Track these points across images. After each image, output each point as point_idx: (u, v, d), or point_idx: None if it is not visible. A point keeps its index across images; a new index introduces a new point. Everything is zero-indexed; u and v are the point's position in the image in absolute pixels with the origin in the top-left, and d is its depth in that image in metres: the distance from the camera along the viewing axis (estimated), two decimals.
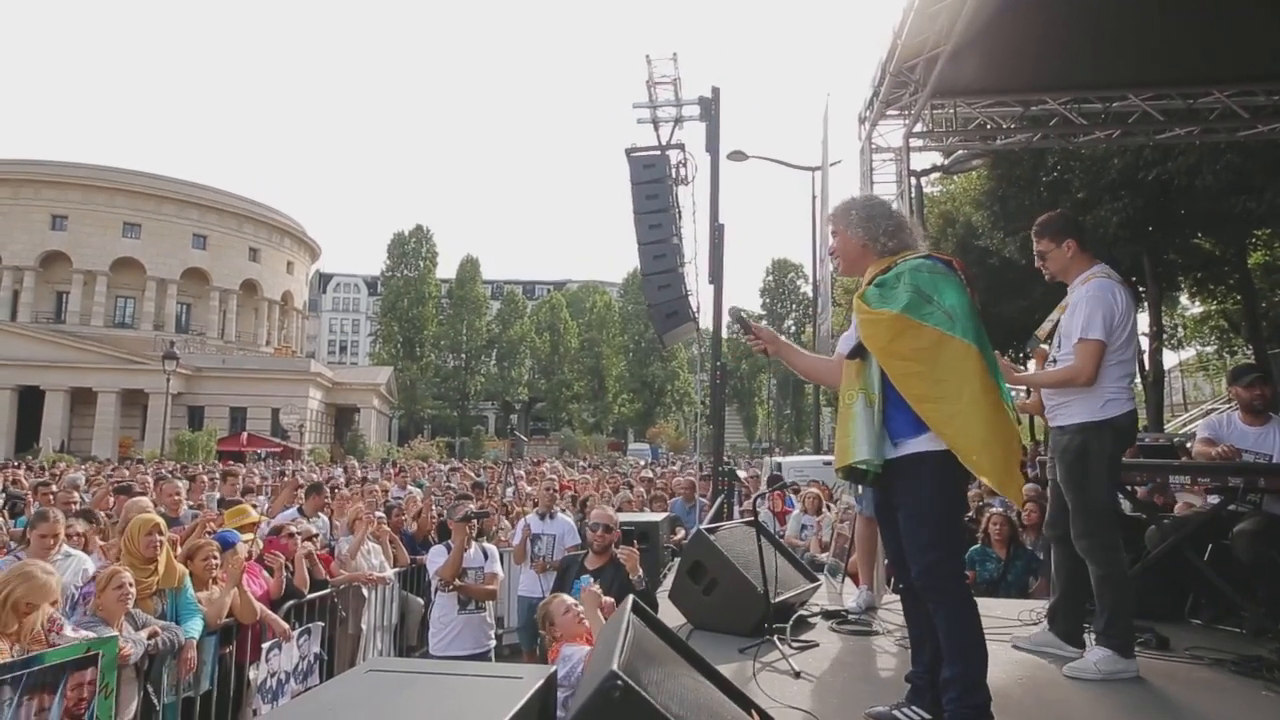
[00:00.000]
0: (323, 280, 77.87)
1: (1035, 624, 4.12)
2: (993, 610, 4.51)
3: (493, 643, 5.17)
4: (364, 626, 5.93)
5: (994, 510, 6.29)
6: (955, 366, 2.44)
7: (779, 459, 16.80)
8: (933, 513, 2.53)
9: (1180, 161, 9.75)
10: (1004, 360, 4.87)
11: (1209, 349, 32.18)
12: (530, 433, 62.82)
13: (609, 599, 3.34)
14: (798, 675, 3.23)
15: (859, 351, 2.65)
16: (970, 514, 6.84)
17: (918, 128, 5.47)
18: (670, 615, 4.06)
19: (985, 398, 2.43)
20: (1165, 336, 23.56)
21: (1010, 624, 4.15)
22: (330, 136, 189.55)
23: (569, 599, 3.58)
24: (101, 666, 2.86)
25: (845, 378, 2.68)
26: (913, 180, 5.62)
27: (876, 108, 5.22)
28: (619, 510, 8.78)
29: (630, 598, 2.14)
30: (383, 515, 6.59)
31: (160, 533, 4.11)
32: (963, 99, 5.34)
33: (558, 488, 10.03)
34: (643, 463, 37.13)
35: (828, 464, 13.21)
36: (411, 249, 57.57)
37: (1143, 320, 25.37)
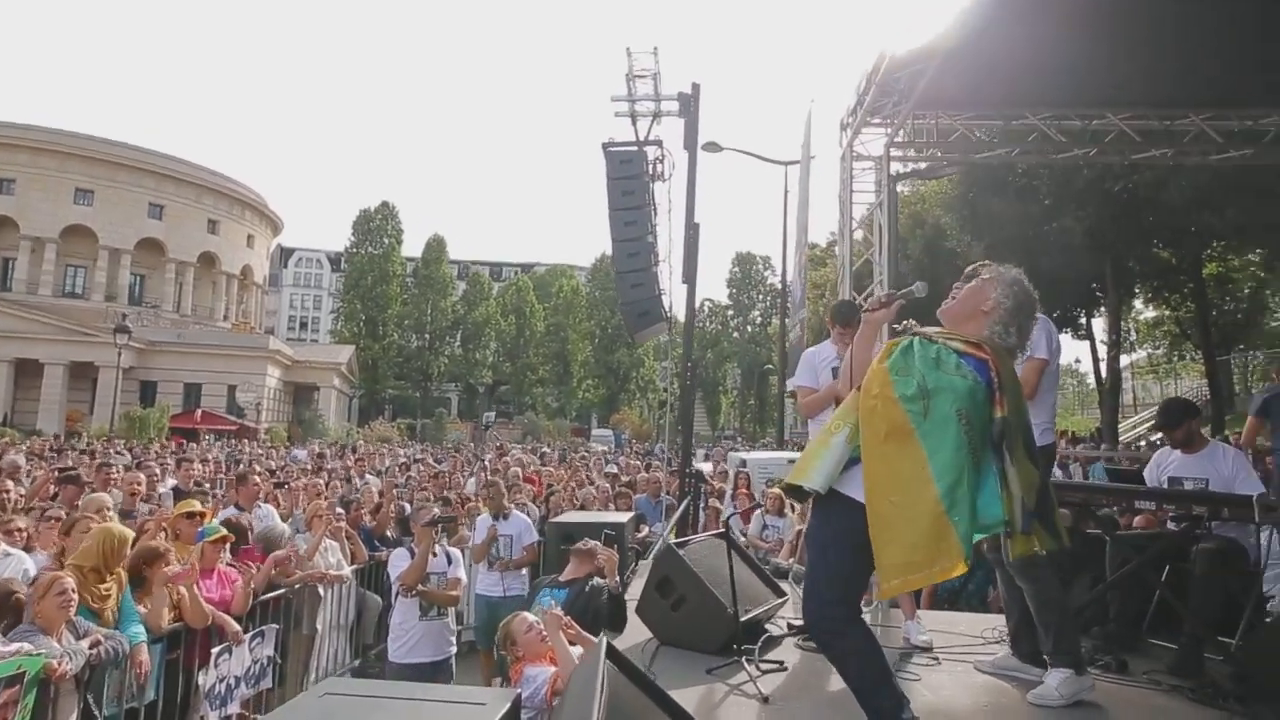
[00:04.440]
0: (284, 255, 76.01)
1: (997, 642, 4.16)
2: (956, 626, 4.55)
3: (454, 649, 5.07)
4: (319, 627, 5.78)
5: None
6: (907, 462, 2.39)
7: (744, 454, 16.84)
8: (836, 555, 2.55)
9: (1147, 175, 9.91)
10: None
11: (1159, 351, 33.16)
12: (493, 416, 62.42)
13: (571, 627, 3.25)
14: (766, 700, 3.20)
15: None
16: None
17: (899, 137, 5.43)
18: (637, 630, 4.01)
19: (920, 504, 2.36)
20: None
21: (973, 643, 4.17)
22: (296, 108, 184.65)
23: (531, 617, 3.49)
24: (24, 684, 2.70)
25: (847, 404, 2.65)
26: (892, 186, 5.59)
27: (860, 116, 5.18)
28: (582, 507, 8.71)
29: (604, 641, 2.05)
30: (341, 511, 6.40)
31: (130, 546, 3.94)
32: (945, 111, 5.31)
33: (519, 480, 9.92)
34: (604, 448, 37.09)
35: (792, 461, 13.29)
36: (377, 226, 56.53)
37: (1100, 327, 25.99)
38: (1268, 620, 3.91)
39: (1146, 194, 10.51)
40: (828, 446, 2.54)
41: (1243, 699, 3.38)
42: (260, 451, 18.27)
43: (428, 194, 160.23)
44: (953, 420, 2.37)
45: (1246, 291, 24.13)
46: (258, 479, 6.73)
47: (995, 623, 4.45)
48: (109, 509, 5.13)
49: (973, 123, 5.41)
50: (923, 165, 7.89)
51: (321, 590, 5.77)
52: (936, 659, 3.88)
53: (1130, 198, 11.25)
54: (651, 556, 6.83)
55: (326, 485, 9.05)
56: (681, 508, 7.37)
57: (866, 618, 4.85)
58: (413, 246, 59.22)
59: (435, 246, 58.12)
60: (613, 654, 1.99)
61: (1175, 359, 31.04)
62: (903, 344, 2.57)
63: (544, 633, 3.30)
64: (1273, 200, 11.87)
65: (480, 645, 6.04)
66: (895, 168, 5.70)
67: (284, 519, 6.87)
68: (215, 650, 4.50)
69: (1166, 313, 26.91)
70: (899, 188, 17.03)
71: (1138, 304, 27.63)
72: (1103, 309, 22.65)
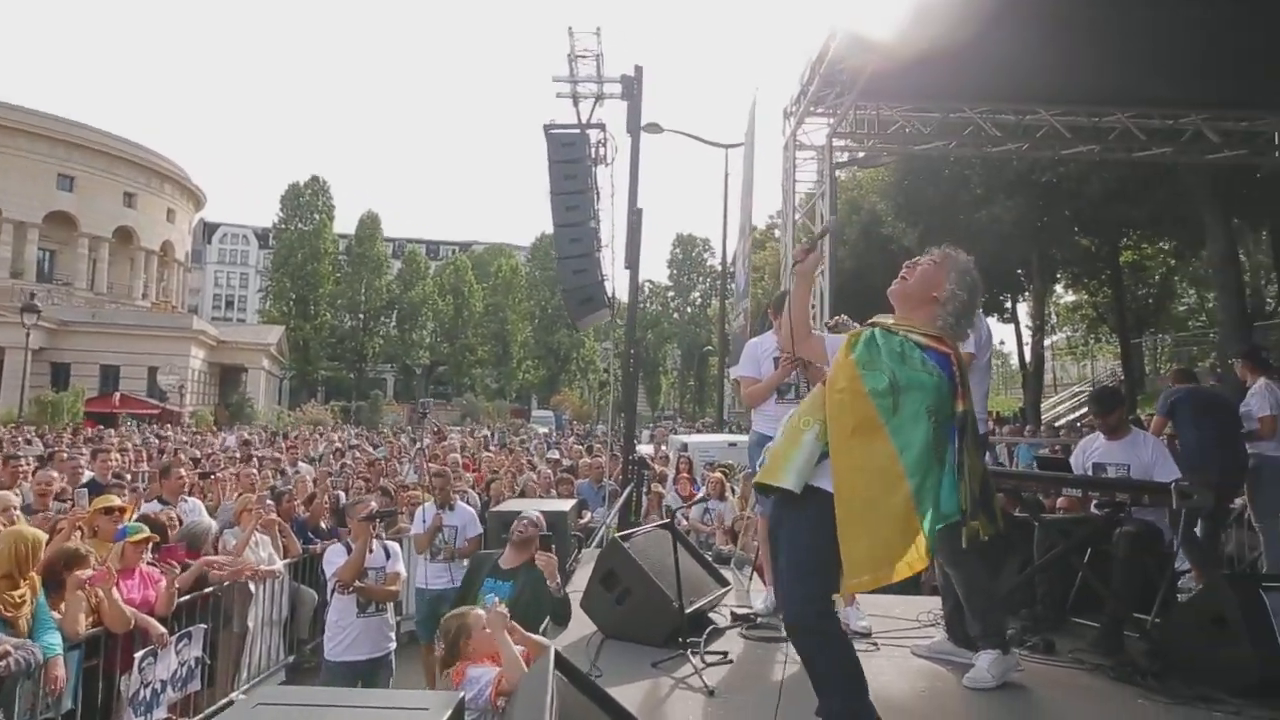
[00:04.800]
0: (208, 230, 72.71)
1: (933, 625, 4.29)
2: (892, 610, 4.67)
3: (393, 644, 4.95)
4: (251, 625, 5.59)
5: None
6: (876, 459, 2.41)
7: (685, 438, 16.96)
8: (813, 548, 2.51)
9: (1072, 168, 10.30)
10: None
11: (1077, 334, 34.79)
12: (432, 397, 61.34)
13: (515, 631, 3.19)
14: (711, 693, 3.22)
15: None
16: None
17: (841, 127, 5.47)
18: (582, 623, 3.99)
19: (891, 499, 2.39)
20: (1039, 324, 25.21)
21: (910, 627, 4.29)
22: (220, 76, 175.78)
23: (480, 612, 3.42)
24: None
25: (813, 399, 2.63)
26: (834, 176, 5.64)
27: (803, 105, 5.20)
28: (522, 494, 8.61)
29: (552, 650, 2.02)
30: (272, 504, 6.17)
31: (44, 548, 3.71)
32: (886, 103, 5.37)
33: (460, 467, 9.77)
34: (545, 430, 36.91)
35: (733, 444, 13.42)
36: (307, 201, 54.57)
37: (1025, 312, 27.04)
38: (1181, 600, 4.13)
39: (1071, 186, 10.94)
40: (798, 445, 2.52)
41: (1159, 675, 3.57)
42: (185, 438, 17.49)
43: (361, 169, 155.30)
44: (923, 417, 2.39)
45: (1157, 278, 25.49)
46: (183, 471, 6.42)
47: (930, 606, 4.59)
48: (14, 508, 4.83)
49: (912, 115, 5.49)
50: (861, 155, 7.99)
51: (253, 587, 5.57)
52: (875, 644, 3.98)
53: (1056, 189, 11.69)
54: (594, 544, 6.83)
55: (259, 474, 8.72)
56: (625, 494, 7.36)
57: None
58: (345, 223, 57.52)
59: (369, 223, 56.51)
60: (561, 663, 1.95)
61: (1092, 341, 32.59)
62: (865, 335, 2.56)
63: (491, 635, 3.24)
64: (1184, 194, 12.52)
65: (422, 639, 5.85)
66: (836, 157, 5.74)
67: (211, 512, 6.61)
68: (139, 655, 4.30)
69: (1085, 297, 28.18)
70: (838, 174, 17.34)
71: (1059, 289, 28.85)
72: (1027, 294, 23.56)
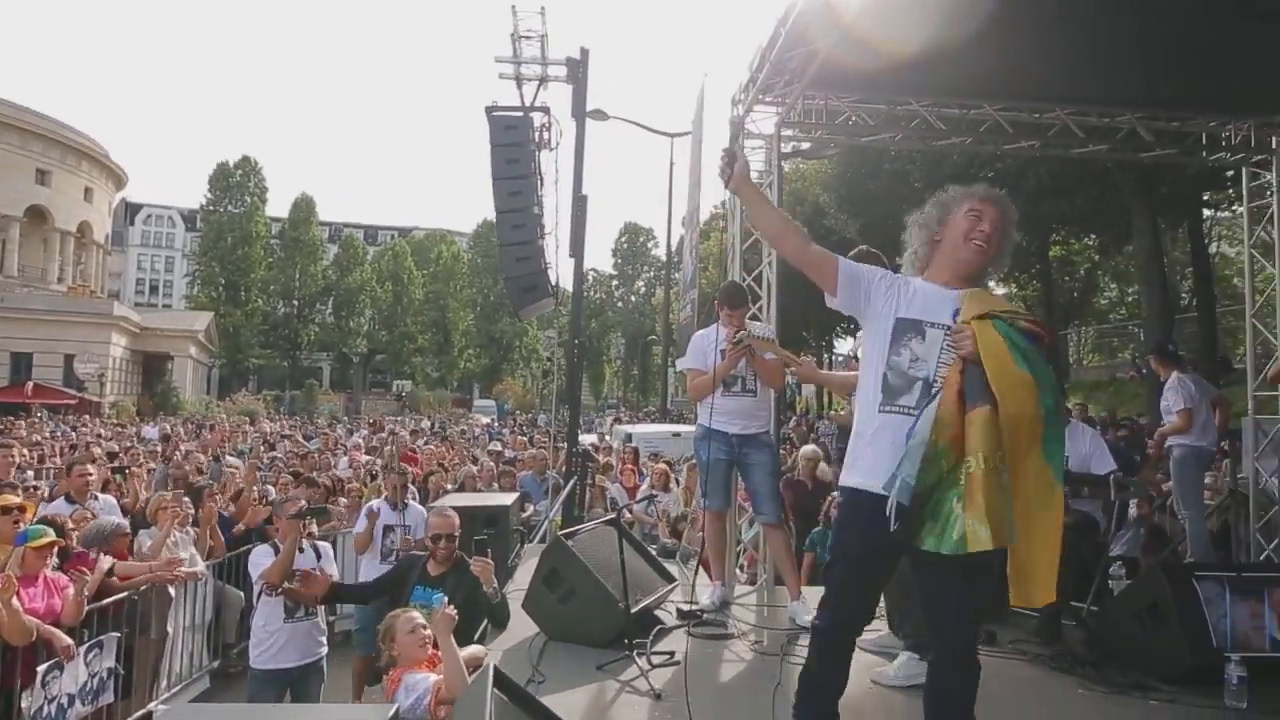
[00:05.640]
0: (130, 211, 69.22)
1: (878, 617, 4.29)
2: None
3: (325, 649, 4.71)
4: (170, 630, 5.27)
5: (835, 495, 6.56)
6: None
7: (629, 428, 16.90)
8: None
9: (1009, 164, 10.54)
10: (808, 360, 5.09)
11: None
12: (369, 386, 59.97)
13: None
14: (659, 697, 3.12)
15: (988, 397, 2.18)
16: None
17: (790, 117, 5.42)
18: (524, 625, 3.85)
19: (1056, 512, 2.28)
20: None
21: None
22: (142, 47, 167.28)
23: (417, 617, 3.26)
24: None
25: (987, 429, 2.17)
26: (781, 166, 5.60)
27: (752, 94, 5.11)
28: (461, 488, 8.37)
29: (491, 666, 1.88)
30: (189, 501, 5.81)
31: None
32: (835, 94, 5.33)
33: (402, 462, 9.47)
34: (487, 419, 36.44)
35: (677, 435, 13.42)
36: (237, 182, 52.46)
37: None
38: (1114, 591, 4.22)
39: (1007, 181, 11.20)
40: (1005, 491, 2.18)
41: (1096, 664, 3.63)
42: (104, 431, 16.57)
43: (295, 150, 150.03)
44: (1057, 420, 2.28)
45: (1083, 273, 26.49)
46: (91, 467, 6.00)
47: None
48: None
49: (859, 106, 5.46)
50: (806, 146, 7.98)
51: (172, 590, 5.25)
52: None
53: (993, 184, 11.93)
54: (537, 539, 6.68)
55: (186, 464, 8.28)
56: (568, 487, 7.23)
57: (752, 598, 4.95)
58: (278, 206, 55.54)
59: (303, 206, 54.68)
60: (500, 680, 1.82)
61: None
62: (1011, 337, 2.24)
63: (428, 638, 3.08)
64: (1114, 192, 12.98)
65: (361, 652, 5.38)
66: (783, 147, 5.69)
67: (127, 512, 6.21)
68: (42, 669, 3.98)
69: (1015, 291, 29.11)
70: (783, 165, 17.50)
71: (991, 283, 29.67)
72: None
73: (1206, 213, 18.42)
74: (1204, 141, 6.08)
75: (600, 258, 66.82)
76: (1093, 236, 21.29)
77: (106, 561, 4.58)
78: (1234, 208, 17.80)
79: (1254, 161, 6.12)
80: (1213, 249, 21.33)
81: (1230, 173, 10.44)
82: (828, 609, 2.50)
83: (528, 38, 7.26)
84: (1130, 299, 27.03)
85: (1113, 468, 4.28)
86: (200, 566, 5.67)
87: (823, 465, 7.37)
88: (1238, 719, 3.13)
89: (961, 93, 5.35)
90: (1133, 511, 6.25)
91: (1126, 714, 3.21)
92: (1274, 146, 5.95)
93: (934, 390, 2.28)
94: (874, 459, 2.31)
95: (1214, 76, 5.14)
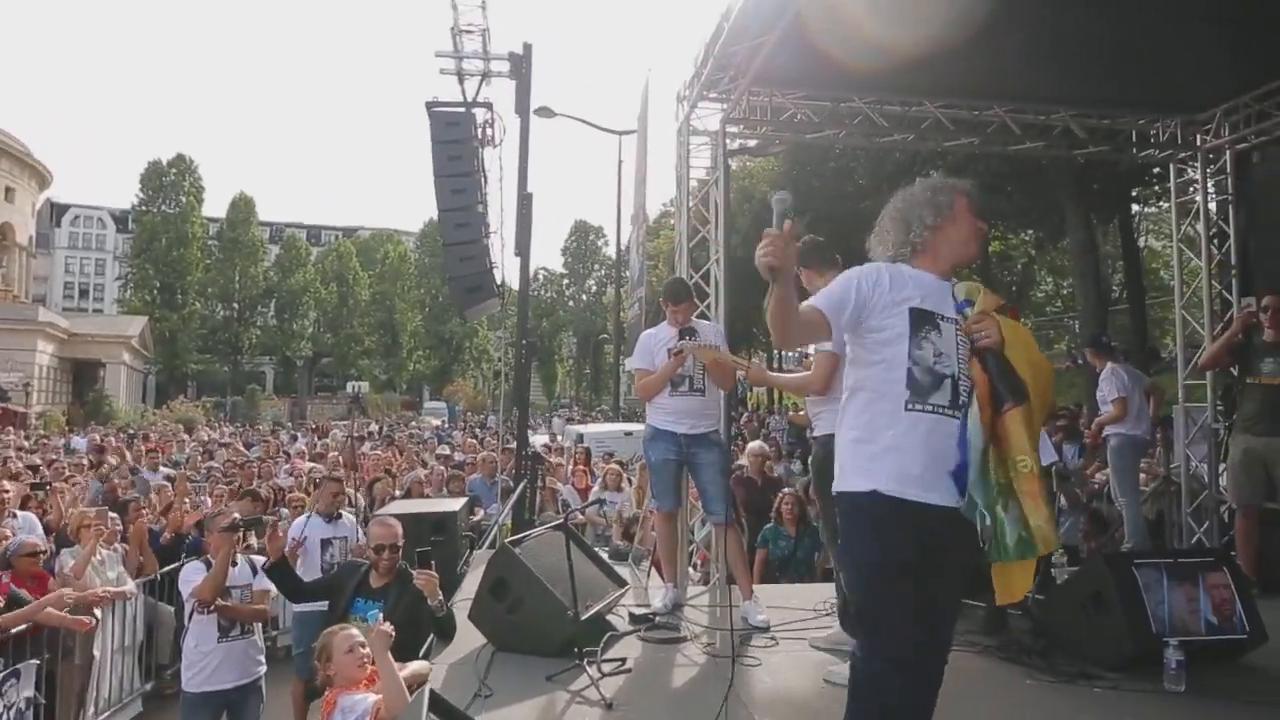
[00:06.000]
0: (56, 212, 66.09)
1: (829, 614, 4.30)
2: (790, 600, 4.67)
3: (263, 668, 4.50)
4: (97, 654, 5.00)
5: (785, 491, 6.59)
6: None
7: (580, 428, 16.78)
8: None
9: (950, 160, 10.73)
10: (757, 361, 5.10)
11: None
12: (315, 390, 58.52)
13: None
14: (610, 706, 3.05)
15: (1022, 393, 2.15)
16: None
17: (734, 113, 5.39)
18: (472, 636, 3.74)
19: None
20: None
21: (808, 617, 4.27)
22: (69, 40, 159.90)
23: (355, 635, 3.12)
24: None
25: (1025, 429, 2.18)
26: (727, 163, 5.57)
27: (697, 89, 5.06)
28: (409, 494, 8.16)
29: (427, 691, 1.78)
30: (115, 516, 5.52)
31: None
32: (779, 90, 5.32)
33: (341, 468, 9.19)
34: (437, 421, 35.85)
35: (628, 434, 13.35)
36: (171, 181, 50.54)
37: None
38: (1057, 582, 4.30)
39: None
40: (1044, 495, 2.22)
41: (1043, 654, 3.69)
42: (26, 443, 15.74)
43: (233, 148, 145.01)
44: None
45: (1020, 267, 27.31)
46: (8, 483, 5.66)
47: (826, 593, 4.60)
48: None
49: (803, 102, 5.48)
50: (753, 143, 8.00)
51: (98, 612, 4.97)
52: (774, 639, 3.93)
53: None
54: (487, 545, 6.54)
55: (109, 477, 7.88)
56: (518, 491, 7.10)
57: (705, 599, 4.92)
58: (215, 206, 53.66)
59: (242, 206, 52.98)
60: (436, 704, 1.72)
61: None
62: (1015, 329, 2.30)
63: (364, 657, 2.95)
64: (1049, 188, 13.38)
65: (301, 675, 5.07)
66: (730, 144, 5.66)
67: (50, 530, 5.89)
68: None
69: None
70: (730, 163, 17.62)
71: None
72: None
73: (1135, 208, 19.14)
74: (1134, 139, 6.26)
75: (551, 256, 66.46)
76: (1029, 231, 21.95)
77: None
78: (1160, 203, 18.59)
79: (1180, 159, 6.33)
80: (1141, 243, 22.19)
81: (1156, 170, 10.84)
82: (888, 635, 2.13)
83: (469, 32, 7.09)
84: (1065, 292, 27.97)
85: (1054, 458, 4.36)
86: (129, 585, 5.40)
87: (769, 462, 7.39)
88: (1176, 702, 3.20)
89: (903, 90, 5.40)
90: (1061, 502, 6.42)
91: (1072, 703, 3.26)
92: (1198, 144, 6.16)
93: (963, 389, 2.18)
94: (904, 461, 2.13)
95: (1143, 76, 5.29)
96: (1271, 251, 6.01)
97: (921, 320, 2.19)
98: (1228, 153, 6.06)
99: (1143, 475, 6.76)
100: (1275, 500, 4.84)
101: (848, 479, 2.22)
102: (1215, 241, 6.27)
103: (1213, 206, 6.26)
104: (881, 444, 2.17)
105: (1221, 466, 5.72)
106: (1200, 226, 6.21)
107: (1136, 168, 11.52)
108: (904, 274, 2.28)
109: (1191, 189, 6.35)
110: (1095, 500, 7.21)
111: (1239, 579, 3.74)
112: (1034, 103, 5.69)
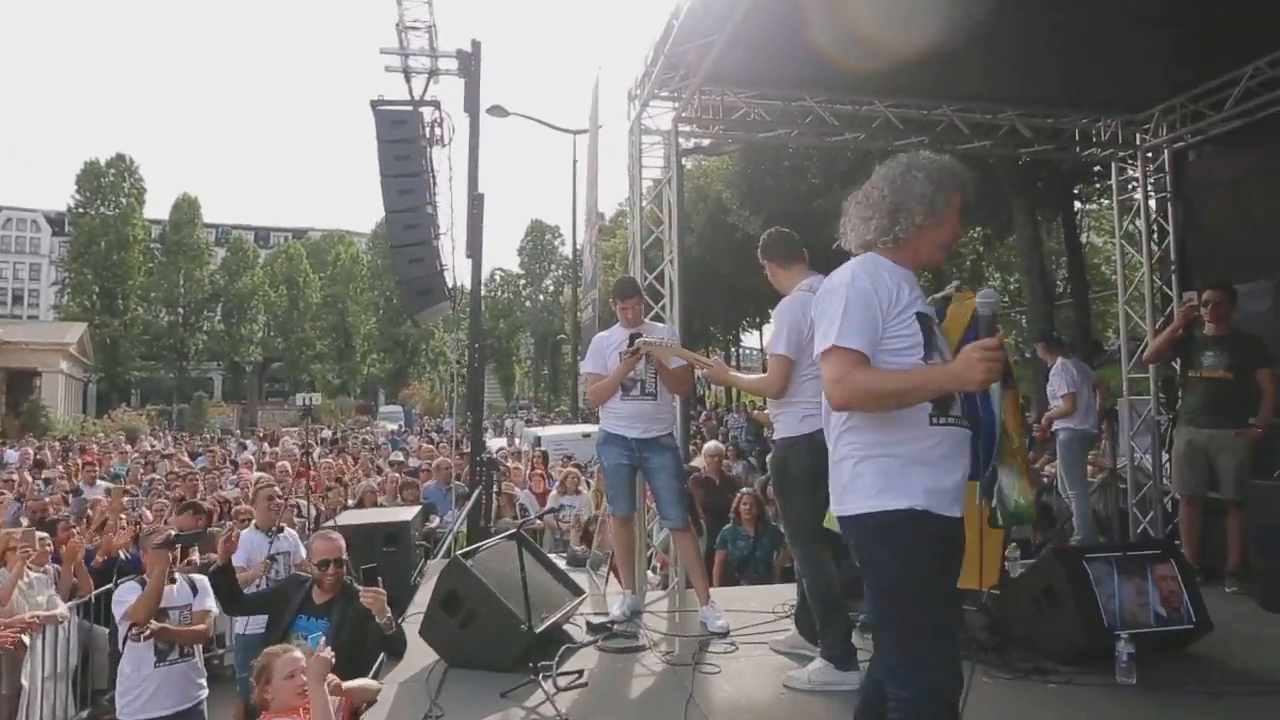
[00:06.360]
0: None
1: (788, 616, 4.26)
2: (749, 603, 4.63)
3: (204, 692, 4.30)
4: (26, 683, 4.73)
5: (744, 491, 6.57)
6: None
7: (538, 431, 16.62)
8: None
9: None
10: (718, 359, 5.09)
11: None
12: (265, 396, 57.08)
13: (339, 686, 2.79)
14: None
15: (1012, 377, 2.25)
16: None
17: (686, 112, 5.35)
18: (423, 653, 3.62)
19: None
20: None
21: (766, 620, 4.23)
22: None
23: (299, 657, 2.98)
24: None
25: (1011, 410, 2.38)
26: (680, 162, 5.52)
27: (648, 88, 5.01)
28: (361, 503, 7.95)
29: None
30: (45, 535, 5.23)
31: None
32: (730, 89, 5.30)
33: (291, 477, 8.94)
34: (394, 426, 35.25)
35: (586, 436, 13.23)
36: (110, 182, 48.75)
37: None
38: (1010, 576, 4.33)
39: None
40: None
41: (998, 649, 3.71)
42: None
43: (175, 148, 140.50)
44: None
45: (969, 263, 27.90)
46: None
47: (786, 594, 4.57)
48: None
49: (755, 102, 5.47)
50: (707, 142, 7.98)
51: (26, 638, 4.71)
52: (734, 644, 3.89)
53: None
54: (441, 554, 6.39)
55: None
56: (474, 497, 6.95)
57: (664, 604, 4.86)
58: (158, 208, 51.91)
59: (186, 208, 51.36)
60: None
61: None
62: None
63: (304, 685, 2.81)
64: (997, 186, 13.63)
65: (243, 697, 4.78)
66: (682, 143, 5.61)
67: None
68: None
69: None
70: (684, 162, 17.64)
71: None
72: None
73: (1077, 205, 19.68)
74: (1077, 138, 6.40)
75: (507, 257, 65.88)
76: (978, 228, 22.45)
77: None
78: (1101, 201, 19.15)
79: (1121, 157, 6.49)
80: (1083, 239, 22.83)
81: (1098, 168, 11.12)
82: (938, 662, 2.08)
83: (414, 28, 6.92)
84: (1013, 287, 28.65)
85: None
86: (61, 609, 5.13)
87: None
88: (1129, 694, 3.24)
89: (854, 89, 5.43)
90: None
91: (1027, 698, 3.28)
92: (1138, 143, 6.32)
93: (974, 397, 2.12)
94: (938, 476, 2.05)
95: (1085, 77, 5.40)
96: (1208, 247, 6.19)
97: (927, 326, 2.11)
98: (1166, 151, 6.23)
99: (1089, 468, 6.91)
100: (1217, 490, 4.97)
101: (869, 498, 2.06)
102: (1155, 237, 6.44)
103: (1152, 204, 6.43)
104: (909, 459, 2.05)
105: (1165, 457, 5.86)
106: (1141, 223, 6.37)
107: (1079, 166, 11.81)
108: (896, 273, 2.16)
109: (1132, 186, 6.51)
110: (1044, 494, 7.35)
111: (1185, 570, 3.81)
112: (981, 102, 5.77)
